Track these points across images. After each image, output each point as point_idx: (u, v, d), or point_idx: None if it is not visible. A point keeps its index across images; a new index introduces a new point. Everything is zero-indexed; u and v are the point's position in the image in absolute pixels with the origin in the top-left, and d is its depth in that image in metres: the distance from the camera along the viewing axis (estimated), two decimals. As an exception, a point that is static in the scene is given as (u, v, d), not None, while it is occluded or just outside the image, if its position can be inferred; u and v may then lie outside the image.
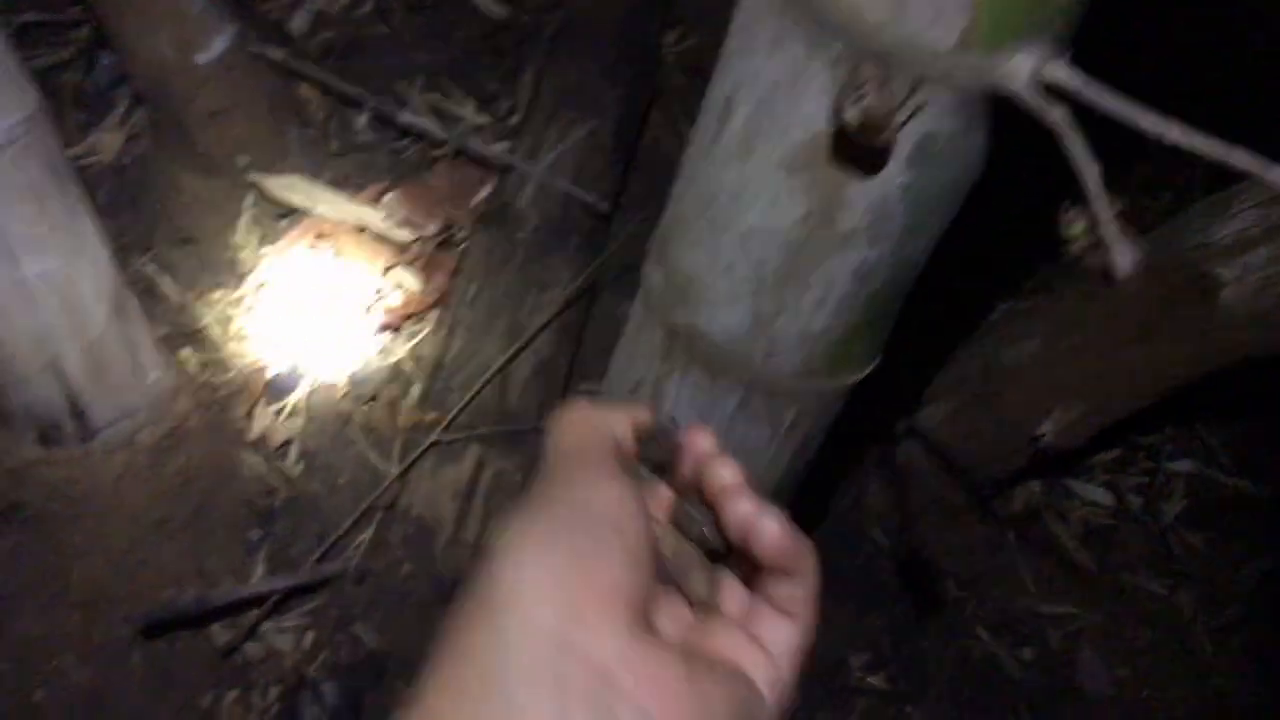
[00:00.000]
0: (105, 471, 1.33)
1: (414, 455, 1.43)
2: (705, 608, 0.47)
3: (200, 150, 1.63)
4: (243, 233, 1.65)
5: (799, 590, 0.45)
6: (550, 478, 0.43)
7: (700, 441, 0.49)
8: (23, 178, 1.14)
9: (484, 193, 1.73)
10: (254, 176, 1.65)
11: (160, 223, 1.64)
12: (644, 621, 0.40)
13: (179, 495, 1.39)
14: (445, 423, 1.43)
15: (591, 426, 0.46)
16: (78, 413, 1.29)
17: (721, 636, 0.45)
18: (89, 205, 1.24)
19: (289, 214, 1.68)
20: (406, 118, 1.75)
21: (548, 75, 1.75)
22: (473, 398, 1.44)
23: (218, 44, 1.56)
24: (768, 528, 0.44)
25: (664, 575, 0.46)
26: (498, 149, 1.71)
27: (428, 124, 1.76)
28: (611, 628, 0.38)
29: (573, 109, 1.67)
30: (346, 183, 1.72)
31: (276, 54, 1.69)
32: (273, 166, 1.67)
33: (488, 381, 1.45)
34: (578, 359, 1.61)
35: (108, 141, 1.66)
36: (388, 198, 1.70)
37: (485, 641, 0.37)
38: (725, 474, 0.46)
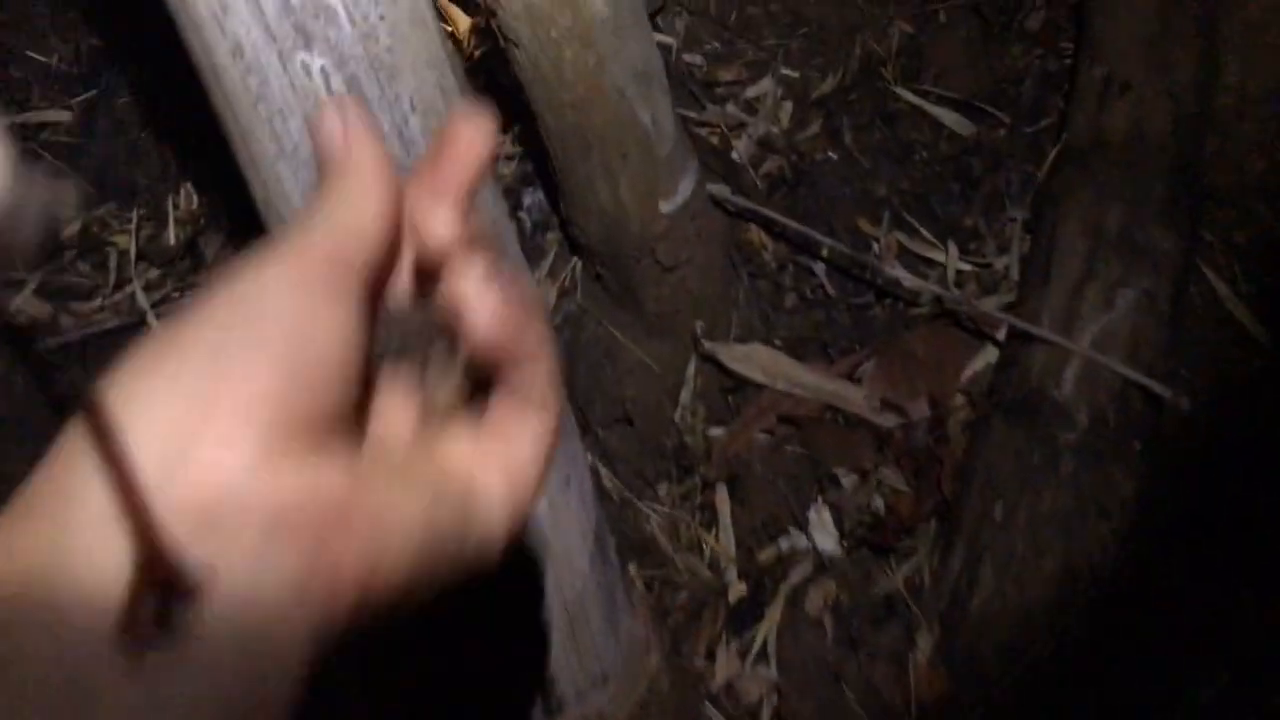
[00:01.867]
0: (567, 752, 1.04)
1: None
2: (433, 417, 0.40)
3: (646, 311, 1.36)
4: (687, 411, 1.36)
5: (535, 377, 0.39)
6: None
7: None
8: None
9: (978, 363, 1.36)
10: (706, 343, 1.35)
11: (595, 397, 1.38)
12: (308, 439, 0.31)
13: (646, 777, 1.08)
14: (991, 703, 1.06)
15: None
16: (544, 690, 1.01)
17: (446, 447, 0.38)
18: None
19: (741, 387, 1.38)
20: (872, 263, 1.42)
21: (1055, 211, 1.38)
22: (1026, 668, 1.07)
23: (683, 188, 1.28)
24: (484, 303, 0.37)
25: (387, 385, 0.40)
26: (998, 310, 1.35)
27: (902, 275, 1.42)
28: (240, 446, 0.30)
29: (1112, 261, 1.28)
30: (805, 346, 1.40)
31: (730, 194, 1.40)
32: (723, 328, 1.38)
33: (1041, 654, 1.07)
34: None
35: (548, 301, 1.41)
36: (861, 369, 1.37)
37: (66, 471, 0.30)
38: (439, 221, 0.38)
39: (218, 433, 0.30)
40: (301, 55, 0.71)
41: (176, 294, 1.43)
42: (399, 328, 0.40)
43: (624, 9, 1.11)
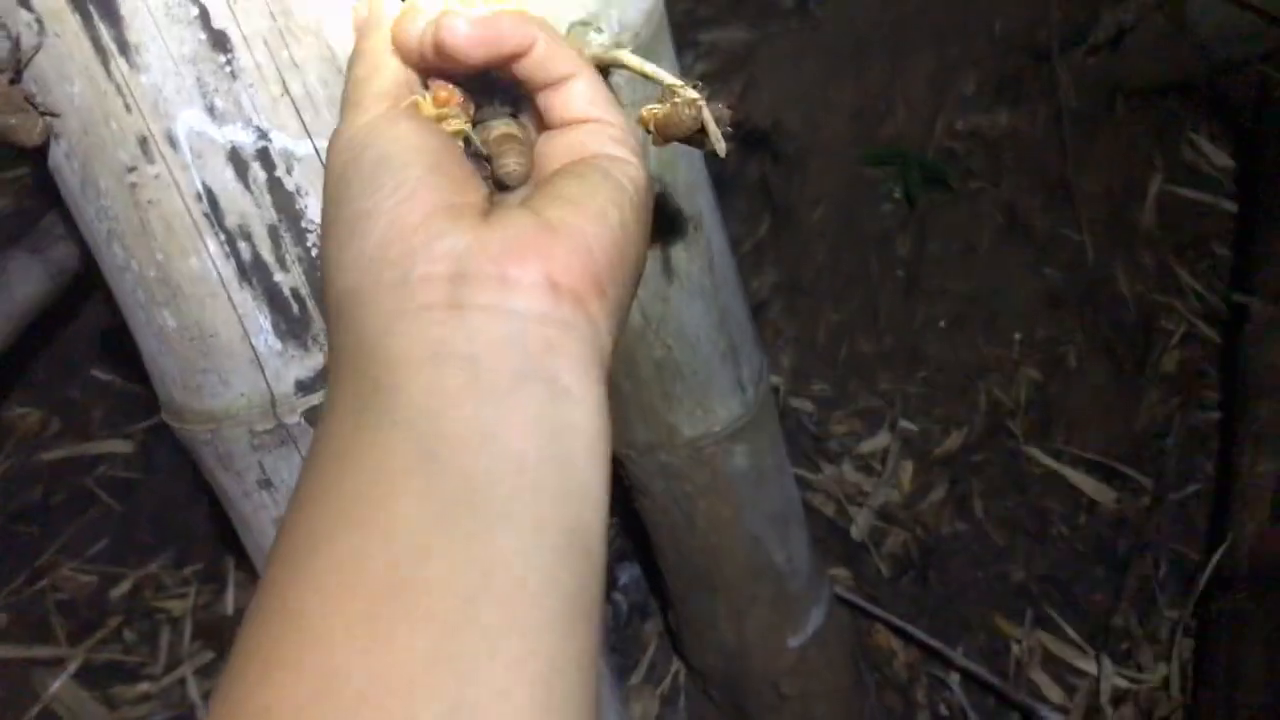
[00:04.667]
0: None
1: None
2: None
3: (761, 741, 1.18)
4: None
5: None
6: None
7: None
8: None
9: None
10: (833, 785, 1.18)
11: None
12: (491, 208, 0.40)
13: None
14: None
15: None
16: None
17: (561, 139, 0.44)
18: None
19: (869, 831, 1.19)
20: (1011, 681, 1.25)
21: (1226, 634, 1.21)
22: None
23: (814, 619, 1.13)
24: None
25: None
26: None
27: (1046, 697, 1.25)
28: (456, 225, 0.37)
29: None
30: (942, 780, 1.22)
31: (854, 590, 1.25)
32: (850, 761, 1.20)
33: None
34: None
35: (639, 710, 1.25)
36: (1011, 820, 1.18)
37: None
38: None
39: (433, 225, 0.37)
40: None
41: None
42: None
43: (766, 458, 0.98)
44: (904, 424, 1.50)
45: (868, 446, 1.48)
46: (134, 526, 1.42)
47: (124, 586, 1.37)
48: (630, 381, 0.87)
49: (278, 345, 0.53)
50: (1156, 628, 1.34)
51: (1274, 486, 1.27)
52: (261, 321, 0.52)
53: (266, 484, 0.57)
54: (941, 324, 1.61)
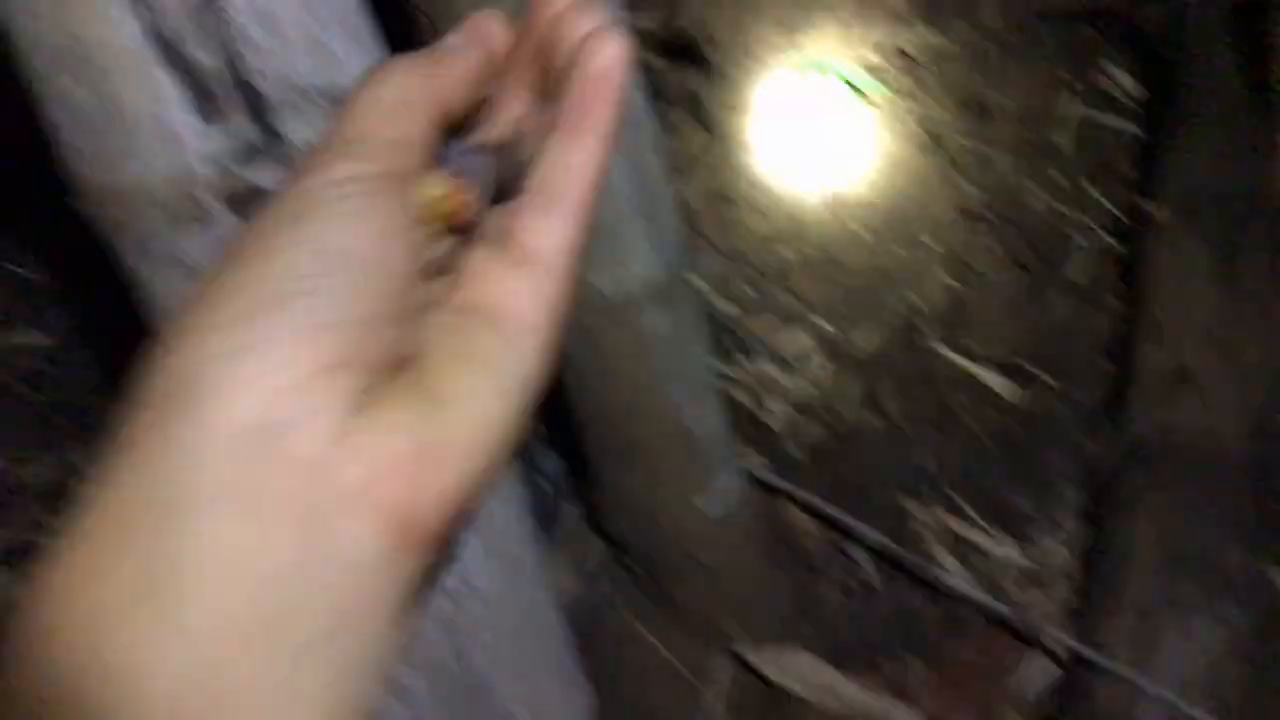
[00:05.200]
0: None
1: None
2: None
3: (677, 608, 1.24)
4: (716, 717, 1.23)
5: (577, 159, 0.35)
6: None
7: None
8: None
9: (1036, 677, 1.25)
10: (741, 648, 1.23)
11: (610, 699, 1.24)
12: (372, 381, 0.30)
13: None
14: None
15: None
16: None
17: (476, 283, 0.35)
18: None
19: (776, 695, 1.25)
20: (919, 561, 1.31)
21: (1121, 516, 1.28)
22: None
23: (726, 487, 1.18)
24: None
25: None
26: (1063, 630, 1.24)
27: (949, 572, 1.32)
28: (327, 404, 0.29)
29: (1191, 587, 1.18)
30: (848, 646, 1.29)
31: (769, 469, 1.30)
32: (761, 627, 1.26)
33: None
34: None
35: (556, 582, 1.29)
36: (911, 681, 1.25)
37: (160, 454, 0.28)
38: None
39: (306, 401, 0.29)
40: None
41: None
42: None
43: (685, 326, 1.02)
44: (822, 324, 1.55)
45: (786, 345, 1.53)
46: (52, 416, 1.43)
47: (42, 473, 1.37)
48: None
49: (197, 124, 0.55)
50: (1055, 512, 1.41)
51: (1164, 374, 1.34)
52: (177, 96, 0.54)
53: (189, 272, 0.59)
54: (861, 233, 1.66)
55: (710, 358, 1.09)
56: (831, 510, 1.30)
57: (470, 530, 0.66)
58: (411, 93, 0.34)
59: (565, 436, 1.29)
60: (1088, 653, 1.16)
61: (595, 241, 0.91)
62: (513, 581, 0.68)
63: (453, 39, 0.37)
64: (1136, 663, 1.14)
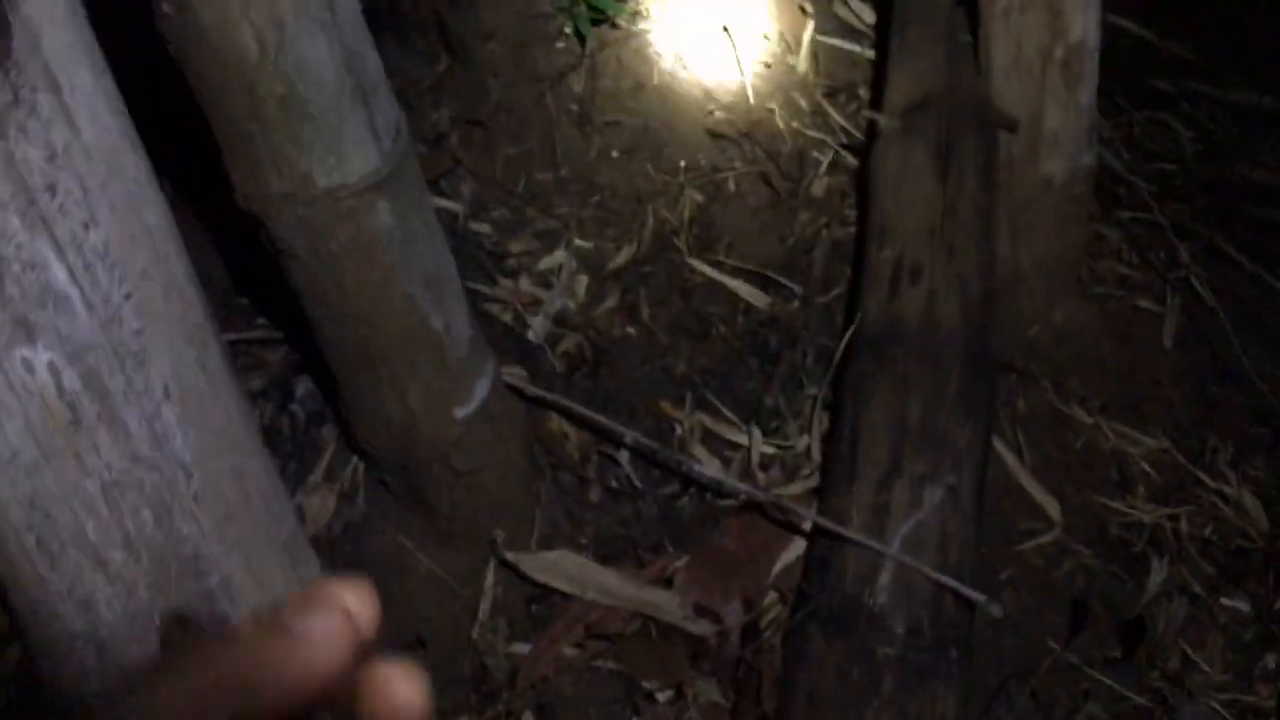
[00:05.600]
0: None
1: None
2: None
3: (439, 518, 1.24)
4: (487, 628, 1.24)
5: None
6: None
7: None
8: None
9: (789, 555, 1.32)
10: (506, 552, 1.25)
11: (383, 616, 1.23)
12: None
13: None
14: None
15: None
16: None
17: None
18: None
19: (546, 596, 1.28)
20: (676, 457, 1.37)
21: (855, 398, 1.37)
22: None
23: (479, 391, 1.18)
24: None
25: None
26: (805, 505, 1.32)
27: (707, 462, 1.37)
28: None
29: (917, 456, 1.27)
30: (613, 545, 1.32)
31: (528, 380, 1.32)
32: (525, 532, 1.28)
33: None
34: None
35: (316, 505, 1.27)
36: (674, 569, 1.30)
37: None
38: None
39: None
40: (22, 351, 0.58)
41: None
42: None
43: (412, 217, 1.02)
44: (579, 242, 1.58)
45: (544, 263, 1.55)
46: None
47: None
48: (256, 123, 0.88)
49: None
50: (801, 406, 1.49)
51: (891, 269, 1.44)
52: None
53: None
54: (614, 154, 1.69)
55: (447, 254, 1.09)
56: (590, 414, 1.33)
57: (171, 404, 0.65)
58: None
59: (316, 359, 1.27)
60: (830, 525, 1.24)
61: (310, 131, 0.89)
62: (220, 452, 0.67)
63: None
64: (873, 531, 1.22)
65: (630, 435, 1.34)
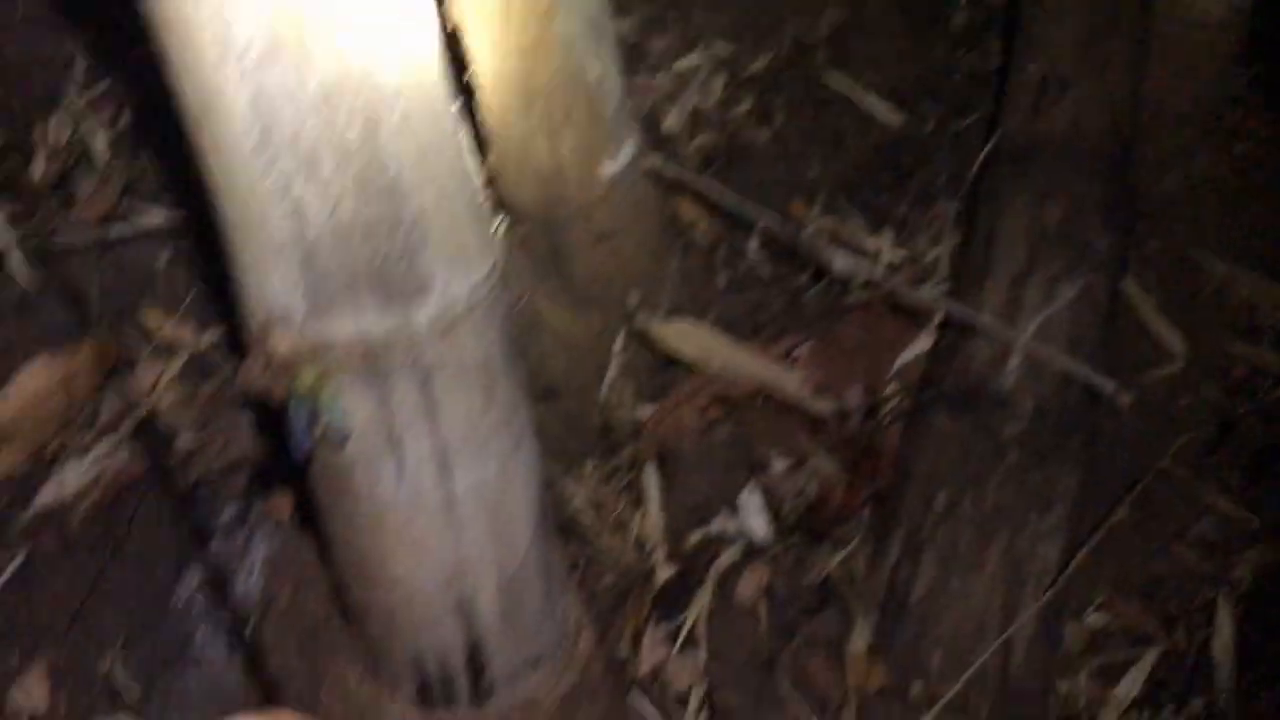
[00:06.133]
0: (493, 745, 0.94)
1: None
2: None
3: (576, 281, 1.28)
4: (615, 388, 1.28)
5: None
6: None
7: None
8: (478, 352, 0.79)
9: (911, 351, 1.34)
10: (640, 319, 1.28)
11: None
12: None
13: (574, 773, 1.00)
14: (934, 707, 1.02)
15: None
16: (477, 665, 0.91)
17: None
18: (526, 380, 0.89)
19: (671, 366, 1.31)
20: (805, 245, 1.38)
21: (993, 206, 1.36)
22: (974, 669, 1.03)
23: (625, 151, 1.21)
24: None
25: None
26: (943, 298, 1.32)
27: (840, 259, 1.39)
28: None
29: (1053, 257, 1.27)
30: (737, 328, 1.35)
31: (664, 164, 1.34)
32: (655, 304, 1.31)
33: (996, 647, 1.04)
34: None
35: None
36: (797, 352, 1.32)
37: None
38: None
39: None
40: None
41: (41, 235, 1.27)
42: None
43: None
44: (718, 45, 1.58)
45: (683, 63, 1.56)
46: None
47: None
48: None
49: None
50: (932, 219, 1.49)
51: (1038, 82, 1.42)
52: None
53: None
54: (756, -33, 1.68)
55: (605, 4, 1.11)
56: (725, 198, 1.34)
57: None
58: None
59: (466, 106, 1.30)
60: (961, 310, 1.25)
61: None
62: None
63: None
64: (1005, 322, 1.23)
65: (762, 216, 1.33)
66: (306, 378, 0.73)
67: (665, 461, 1.25)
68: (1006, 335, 1.20)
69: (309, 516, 1.14)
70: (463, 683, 0.92)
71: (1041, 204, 1.30)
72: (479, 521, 0.84)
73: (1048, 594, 1.08)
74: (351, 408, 0.74)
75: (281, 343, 0.72)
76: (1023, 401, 1.17)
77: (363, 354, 0.72)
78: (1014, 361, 1.20)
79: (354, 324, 0.71)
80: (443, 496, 0.81)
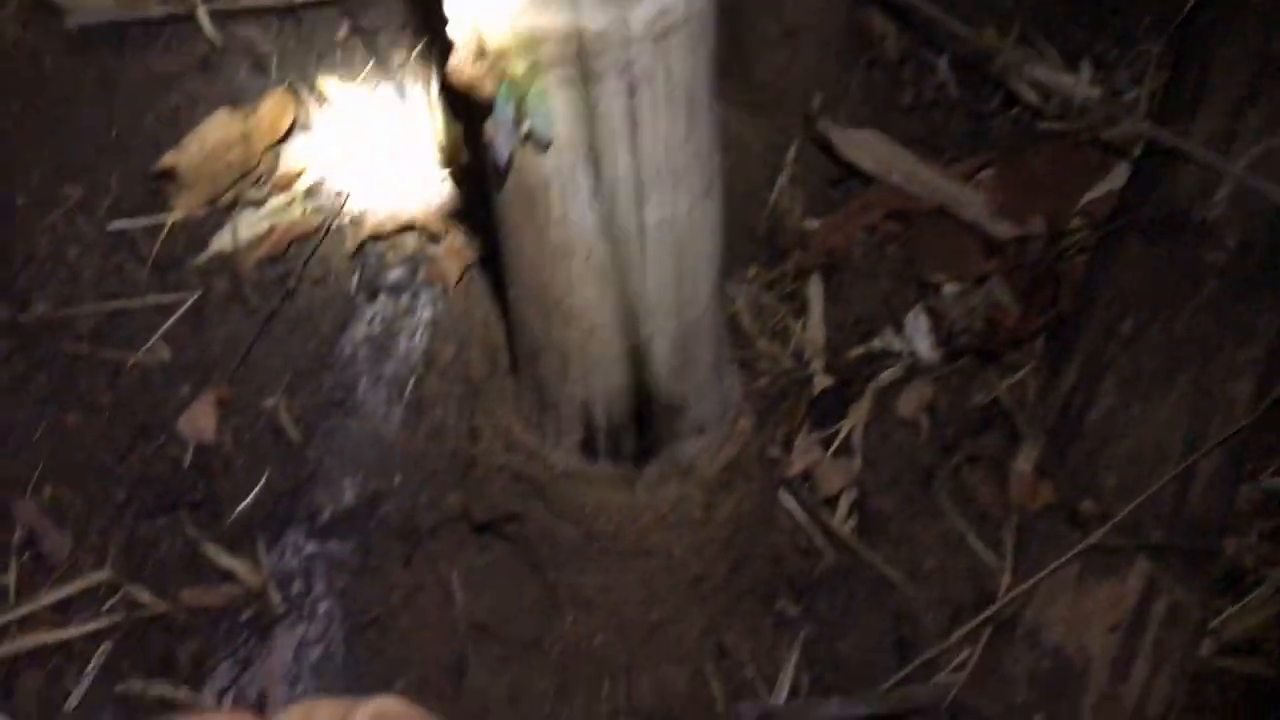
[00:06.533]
0: (650, 505, 0.94)
1: (1057, 563, 0.98)
2: None
3: (754, 79, 1.23)
4: (785, 194, 1.24)
5: None
6: None
7: None
8: (685, 71, 0.76)
9: (1102, 188, 1.26)
10: (821, 124, 1.23)
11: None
12: None
13: (724, 548, 0.99)
14: (1105, 525, 0.98)
15: None
16: (645, 420, 0.90)
17: None
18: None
19: (845, 180, 1.26)
20: (999, 68, 1.30)
21: (1210, 35, 1.26)
22: (1149, 495, 0.98)
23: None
24: None
25: None
26: (1147, 126, 1.24)
27: (1034, 87, 1.31)
28: None
29: (1276, 84, 1.17)
30: (919, 146, 1.29)
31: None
32: (837, 108, 1.26)
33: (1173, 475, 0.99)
34: None
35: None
36: (981, 176, 1.26)
37: None
38: None
39: None
40: None
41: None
42: None
43: None
44: None
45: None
46: None
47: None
48: None
49: None
50: (1134, 59, 1.39)
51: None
52: None
53: None
54: None
55: None
56: (921, 8, 1.27)
57: None
58: None
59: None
60: (1168, 137, 1.16)
61: None
62: None
63: None
64: (1217, 151, 1.14)
65: (955, 28, 1.26)
66: (516, 70, 0.71)
67: (831, 274, 1.21)
68: (1218, 163, 1.12)
69: (479, 274, 1.14)
70: (628, 437, 0.91)
71: (1269, 31, 1.20)
72: (665, 261, 0.82)
73: (1238, 429, 1.01)
74: (558, 111, 0.72)
75: (495, 30, 0.70)
76: (1228, 233, 1.09)
77: (576, 49, 0.70)
78: (1223, 191, 1.12)
79: (570, 15, 0.69)
80: (635, 226, 0.79)
